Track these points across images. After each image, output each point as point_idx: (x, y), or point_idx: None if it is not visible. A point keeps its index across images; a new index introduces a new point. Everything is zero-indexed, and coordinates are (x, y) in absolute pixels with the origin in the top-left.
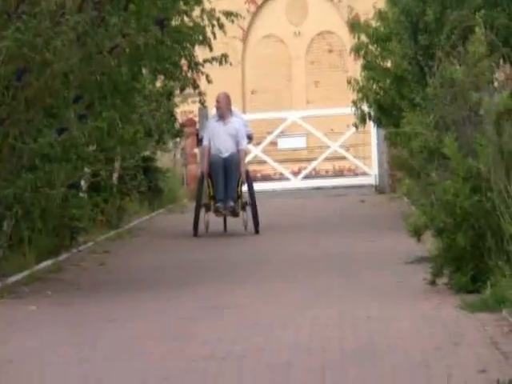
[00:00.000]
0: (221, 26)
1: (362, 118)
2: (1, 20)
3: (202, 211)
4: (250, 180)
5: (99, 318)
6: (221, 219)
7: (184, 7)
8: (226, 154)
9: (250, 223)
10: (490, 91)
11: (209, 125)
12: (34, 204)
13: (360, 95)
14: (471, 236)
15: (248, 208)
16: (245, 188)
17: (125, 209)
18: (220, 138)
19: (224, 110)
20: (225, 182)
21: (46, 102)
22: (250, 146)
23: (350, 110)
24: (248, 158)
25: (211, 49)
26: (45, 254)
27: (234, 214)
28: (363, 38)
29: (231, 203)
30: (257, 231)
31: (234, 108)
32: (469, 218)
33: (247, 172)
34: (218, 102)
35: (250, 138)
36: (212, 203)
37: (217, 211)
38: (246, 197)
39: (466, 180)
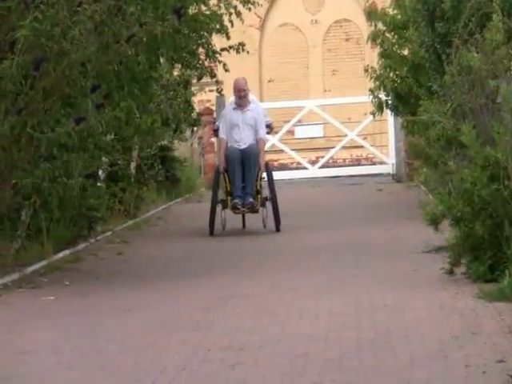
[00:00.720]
0: (238, 14)
1: (380, 107)
2: (18, 9)
3: (219, 208)
4: (270, 173)
5: (116, 307)
6: (239, 216)
7: None
8: (243, 146)
9: (271, 220)
10: (508, 79)
11: (225, 114)
12: (52, 194)
13: (377, 83)
14: (489, 225)
15: (268, 204)
16: (264, 181)
17: (142, 198)
18: (238, 128)
19: (244, 98)
20: (243, 177)
21: (63, 92)
22: (268, 136)
23: (367, 99)
24: (265, 148)
25: (228, 37)
26: (63, 244)
27: (253, 210)
28: (380, 25)
29: (250, 199)
30: (278, 229)
31: (251, 95)
32: (487, 206)
33: (267, 164)
34: (237, 88)
35: (269, 127)
36: (229, 199)
37: (234, 208)
38: (265, 191)
39: (483, 168)
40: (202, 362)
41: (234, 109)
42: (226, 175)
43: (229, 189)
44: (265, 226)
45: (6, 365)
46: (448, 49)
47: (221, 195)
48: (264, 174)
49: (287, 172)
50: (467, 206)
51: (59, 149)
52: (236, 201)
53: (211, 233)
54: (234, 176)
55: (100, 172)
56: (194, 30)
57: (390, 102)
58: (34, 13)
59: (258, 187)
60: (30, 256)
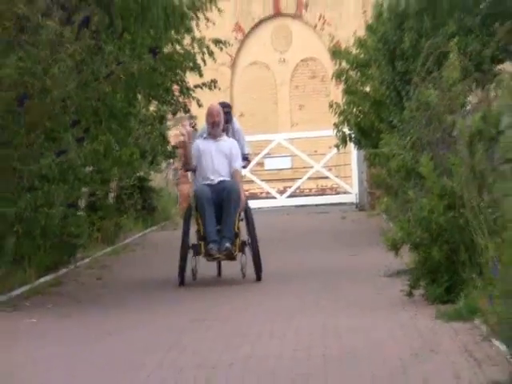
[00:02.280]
0: (210, 54)
1: (343, 140)
2: (3, 49)
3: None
4: (249, 212)
5: (97, 330)
6: (213, 263)
7: (175, 36)
8: (217, 179)
9: (250, 267)
10: (463, 114)
11: (195, 145)
12: (35, 222)
13: (341, 118)
14: (446, 250)
15: (247, 249)
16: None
17: (121, 226)
18: (210, 158)
19: (217, 127)
20: (218, 217)
21: (45, 126)
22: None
23: (331, 133)
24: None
25: (201, 75)
26: (45, 270)
27: (231, 257)
28: (344, 64)
29: (227, 244)
30: (259, 278)
31: (236, 123)
32: (443, 233)
33: (246, 202)
34: (211, 115)
35: (246, 159)
36: (202, 244)
37: (208, 255)
38: (244, 234)
39: (440, 197)
40: (176, 381)
41: (205, 138)
42: (198, 216)
43: (202, 232)
44: (244, 276)
45: None
46: (407, 86)
47: (193, 238)
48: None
49: (257, 201)
50: (425, 233)
51: (41, 180)
52: (210, 246)
53: (181, 282)
54: (206, 219)
55: (80, 201)
56: (169, 68)
57: (353, 135)
58: (18, 52)
59: (237, 229)
60: (14, 281)
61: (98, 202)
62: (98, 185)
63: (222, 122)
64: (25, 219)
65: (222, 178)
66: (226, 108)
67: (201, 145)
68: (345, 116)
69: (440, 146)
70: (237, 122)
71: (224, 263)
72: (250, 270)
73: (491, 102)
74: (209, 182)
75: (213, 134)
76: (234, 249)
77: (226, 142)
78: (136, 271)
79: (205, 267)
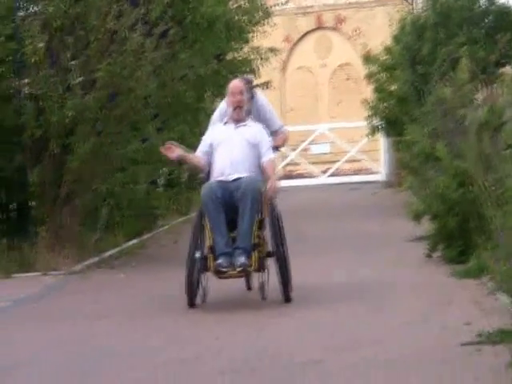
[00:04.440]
0: (265, 59)
1: (374, 130)
2: (96, 56)
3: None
4: (276, 216)
5: (172, 282)
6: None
7: (236, 45)
8: (233, 176)
9: (274, 286)
10: (473, 108)
11: (208, 134)
12: (123, 196)
13: (372, 112)
14: (459, 220)
15: (272, 262)
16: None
17: (192, 200)
18: (229, 150)
19: (241, 108)
20: (231, 224)
21: (131, 119)
22: (285, 150)
23: (363, 124)
24: (286, 161)
25: (258, 76)
26: (132, 235)
27: (247, 274)
28: (374, 68)
29: (242, 259)
30: (287, 298)
31: (259, 95)
32: (456, 205)
33: (272, 204)
34: (233, 93)
35: (277, 147)
36: (211, 258)
37: (217, 272)
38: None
39: (454, 177)
40: None
41: (225, 123)
42: (207, 221)
43: (211, 241)
44: (264, 298)
45: (87, 328)
46: (426, 85)
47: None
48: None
49: (303, 180)
50: (441, 205)
51: (128, 162)
52: (220, 261)
53: (191, 303)
54: (214, 225)
55: (160, 180)
56: (231, 71)
57: (381, 126)
58: (109, 59)
59: (257, 239)
60: (107, 244)
61: (174, 180)
62: (174, 166)
63: (246, 102)
64: (115, 194)
65: (239, 175)
66: (248, 84)
67: (217, 132)
68: (375, 110)
69: (453, 134)
70: (261, 96)
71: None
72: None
73: (495, 99)
74: (222, 178)
75: (235, 119)
76: (250, 264)
77: (252, 128)
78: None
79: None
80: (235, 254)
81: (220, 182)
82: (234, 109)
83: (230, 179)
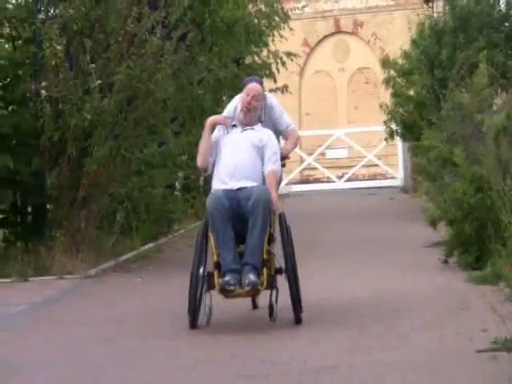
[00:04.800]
0: (283, 64)
1: (391, 134)
2: (115, 59)
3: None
4: (285, 228)
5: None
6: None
7: (255, 49)
8: (238, 185)
9: (284, 306)
10: (491, 113)
11: (217, 131)
12: (140, 200)
13: (389, 116)
14: (475, 225)
15: (281, 279)
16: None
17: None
18: (233, 155)
19: (252, 113)
20: (241, 236)
21: (149, 122)
22: (301, 154)
23: (381, 128)
24: (302, 166)
25: (275, 81)
26: (148, 238)
27: (256, 293)
28: (392, 72)
29: (251, 276)
30: (298, 319)
31: (270, 97)
32: (473, 211)
33: (281, 215)
34: (250, 96)
35: (285, 157)
36: (216, 275)
37: (224, 290)
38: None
39: (471, 182)
40: None
41: (233, 126)
42: (212, 234)
43: (216, 257)
44: (274, 319)
45: (103, 330)
46: (444, 90)
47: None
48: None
49: (320, 184)
50: (458, 211)
51: (146, 166)
52: (227, 279)
53: (193, 324)
54: (220, 239)
55: (177, 184)
56: (249, 75)
57: (399, 130)
58: (128, 62)
59: (266, 255)
60: (123, 248)
61: (191, 184)
62: (191, 170)
63: (260, 109)
64: (132, 198)
65: (245, 183)
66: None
67: (222, 134)
68: (392, 115)
69: (471, 139)
70: (272, 97)
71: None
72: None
73: None
74: (227, 186)
75: (244, 123)
76: (260, 283)
77: (259, 132)
78: None
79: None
80: (244, 270)
81: (226, 190)
82: (245, 112)
83: (236, 187)
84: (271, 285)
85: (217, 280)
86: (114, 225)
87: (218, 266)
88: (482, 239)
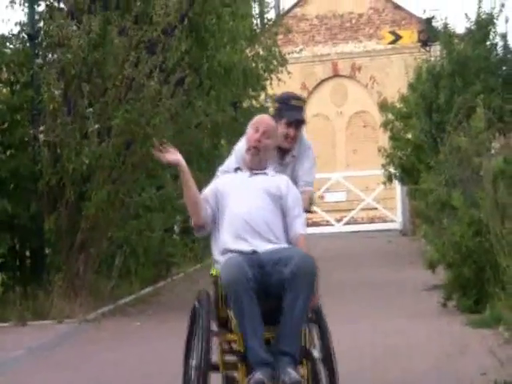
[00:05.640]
0: None
1: (389, 178)
2: (114, 103)
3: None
4: (320, 312)
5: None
6: None
7: (252, 93)
8: (263, 247)
9: None
10: (488, 157)
11: (214, 186)
12: (139, 244)
13: (388, 160)
14: (474, 269)
15: (320, 371)
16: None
17: (208, 246)
18: (245, 205)
19: (261, 153)
20: (264, 316)
21: (147, 166)
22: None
23: (379, 172)
24: None
25: None
26: (147, 282)
27: None
28: (390, 116)
29: (291, 374)
30: None
31: (305, 139)
32: (472, 254)
33: (319, 307)
34: (257, 129)
35: (307, 210)
36: (241, 370)
37: None
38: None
39: (469, 225)
40: None
41: (236, 170)
42: (232, 315)
43: (240, 346)
44: None
45: (101, 375)
46: (442, 134)
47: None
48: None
49: (319, 228)
50: (457, 254)
51: (144, 210)
52: (259, 377)
53: None
54: (247, 322)
55: (175, 227)
56: (248, 119)
57: (397, 174)
58: (126, 106)
59: (306, 342)
60: (122, 292)
61: (189, 227)
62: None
63: (269, 149)
64: (130, 241)
65: (267, 244)
66: (297, 111)
67: (225, 181)
68: (391, 158)
69: (469, 183)
70: (306, 138)
71: None
72: None
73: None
74: (243, 247)
75: (250, 166)
76: (302, 375)
77: (274, 179)
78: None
79: None
80: (280, 363)
81: (245, 254)
82: (253, 153)
83: (257, 249)
84: (316, 378)
85: (242, 377)
86: (113, 269)
87: (243, 358)
88: (481, 282)
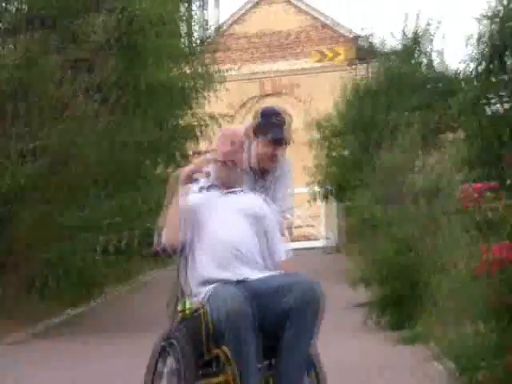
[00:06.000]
0: (206, 125)
1: (325, 195)
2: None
3: None
4: (317, 361)
5: (102, 352)
6: None
7: (179, 112)
8: (255, 275)
9: None
10: (411, 174)
11: (190, 202)
12: (60, 265)
13: (322, 177)
14: (395, 286)
15: None
16: None
17: (132, 267)
18: (227, 228)
19: (232, 167)
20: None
21: (71, 187)
22: None
23: (305, 189)
24: None
25: (198, 143)
26: (76, 303)
27: None
28: (315, 134)
29: None
30: None
31: (287, 158)
32: (394, 271)
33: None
34: (227, 141)
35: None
36: None
37: None
38: None
39: (391, 243)
40: None
41: (208, 188)
42: (228, 350)
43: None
44: None
45: None
46: (367, 152)
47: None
48: None
49: None
50: (380, 272)
51: (75, 230)
52: None
53: None
54: (246, 361)
55: (97, 247)
56: (172, 138)
57: (333, 191)
58: (57, 125)
59: (313, 378)
60: (51, 313)
61: (117, 246)
62: (112, 234)
63: (243, 162)
64: (52, 262)
65: (261, 273)
66: (276, 126)
67: (199, 203)
68: (325, 175)
69: (393, 200)
70: (289, 159)
71: None
72: None
73: (434, 165)
74: (231, 277)
75: (228, 182)
76: None
77: (253, 198)
78: (144, 302)
79: None
80: None
81: (236, 285)
82: (231, 166)
83: (249, 277)
84: None
85: None
86: (43, 289)
87: None
88: (404, 299)
